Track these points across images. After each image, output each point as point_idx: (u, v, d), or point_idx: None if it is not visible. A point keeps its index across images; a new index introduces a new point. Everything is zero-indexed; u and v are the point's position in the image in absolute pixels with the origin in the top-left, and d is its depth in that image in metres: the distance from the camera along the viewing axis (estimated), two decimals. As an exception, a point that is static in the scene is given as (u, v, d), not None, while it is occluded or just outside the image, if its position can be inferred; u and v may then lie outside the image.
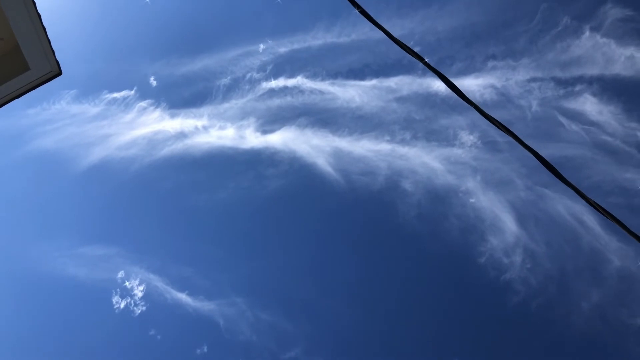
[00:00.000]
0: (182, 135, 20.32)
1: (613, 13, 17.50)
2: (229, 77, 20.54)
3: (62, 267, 19.12)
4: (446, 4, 19.84)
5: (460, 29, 19.66)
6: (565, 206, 17.44)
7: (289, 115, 20.27)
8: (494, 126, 4.16)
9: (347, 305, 18.58)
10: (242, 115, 20.38)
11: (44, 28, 5.03)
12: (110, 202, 21.06)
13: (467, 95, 3.96)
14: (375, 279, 19.09)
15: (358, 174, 19.43)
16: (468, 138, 18.70)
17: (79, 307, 19.15)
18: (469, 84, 18.78)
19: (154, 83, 20.68)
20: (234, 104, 20.50)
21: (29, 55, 5.16)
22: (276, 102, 20.38)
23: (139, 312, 18.10)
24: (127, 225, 20.65)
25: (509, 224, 17.68)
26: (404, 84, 19.60)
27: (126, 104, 20.37)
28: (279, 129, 20.22)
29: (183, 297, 18.28)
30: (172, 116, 20.64)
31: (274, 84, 20.30)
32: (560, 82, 18.10)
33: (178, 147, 20.22)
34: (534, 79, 18.35)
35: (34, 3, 4.84)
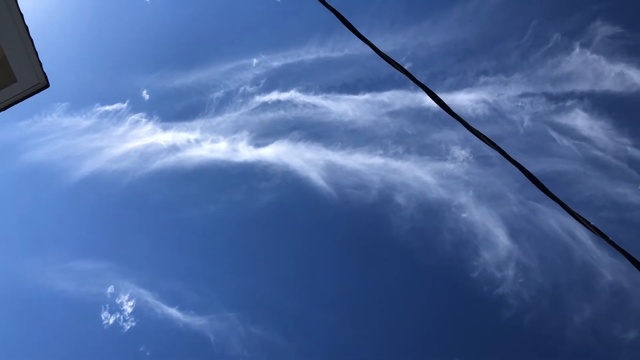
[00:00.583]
0: (174, 148, 20.29)
1: (603, 30, 17.76)
2: (222, 91, 20.59)
3: (50, 282, 18.89)
4: (438, 19, 20.07)
5: (452, 44, 19.88)
6: (558, 220, 17.48)
7: (282, 129, 20.31)
8: (490, 138, 4.14)
9: (339, 319, 18.44)
10: (235, 129, 20.39)
11: (31, 40, 5.01)
12: (101, 216, 20.92)
13: (454, 110, 3.96)
14: (368, 294, 18.99)
15: (351, 188, 19.43)
16: (460, 153, 18.77)
17: (67, 323, 18.89)
18: (461, 99, 18.93)
19: (147, 96, 20.69)
20: (227, 117, 20.53)
21: (16, 68, 5.13)
22: (269, 115, 20.43)
23: (129, 327, 17.87)
24: (118, 239, 20.50)
25: (502, 238, 17.69)
26: (396, 98, 19.72)
27: (118, 117, 20.35)
28: (272, 142, 20.24)
29: (173, 312, 18.08)
30: (165, 129, 20.62)
31: (267, 97, 20.37)
32: (552, 98, 18.27)
33: (170, 160, 20.18)
34: (525, 94, 18.52)
35: (22, 15, 4.82)
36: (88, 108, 20.50)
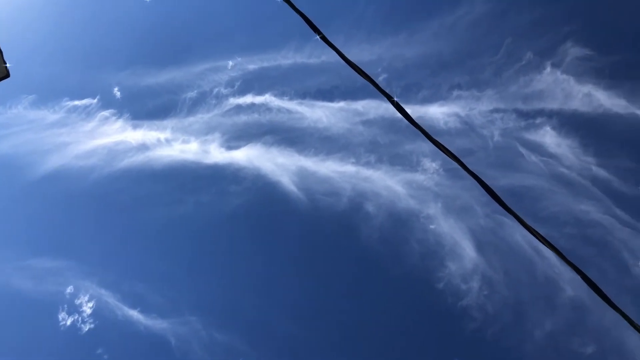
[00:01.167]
0: (143, 147, 19.88)
1: (573, 51, 18.26)
2: (195, 91, 20.32)
3: (6, 279, 18.22)
4: (415, 32, 20.30)
5: (427, 57, 20.12)
6: (523, 235, 17.77)
7: (255, 133, 20.16)
8: (460, 153, 4.14)
9: (304, 327, 18.31)
10: (207, 130, 20.13)
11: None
12: (64, 213, 20.32)
13: (425, 122, 3.93)
14: (334, 302, 18.92)
15: (322, 195, 19.39)
16: (430, 165, 18.95)
17: (22, 323, 18.22)
18: (434, 111, 19.15)
19: (118, 93, 20.26)
20: (200, 118, 20.26)
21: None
22: (243, 118, 20.25)
23: (87, 329, 17.35)
24: (81, 238, 19.94)
25: (468, 250, 17.90)
26: (370, 107, 19.81)
27: (87, 113, 19.85)
28: (244, 145, 20.05)
29: (135, 314, 17.64)
30: (135, 127, 20.21)
31: (242, 100, 20.20)
32: (522, 114, 18.65)
33: (139, 159, 19.77)
34: (496, 110, 18.85)
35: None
36: (56, 102, 19.95)
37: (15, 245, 19.52)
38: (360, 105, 19.90)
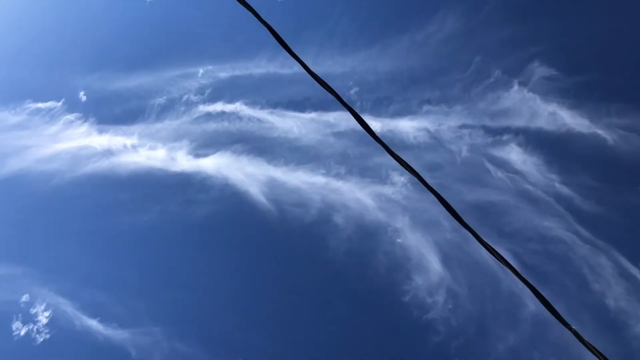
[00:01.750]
0: (109, 152, 19.42)
1: (540, 71, 18.76)
2: (164, 97, 20.02)
3: (-42, 286, 17.41)
4: (388, 46, 20.53)
5: (399, 72, 20.36)
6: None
7: (225, 141, 19.93)
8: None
9: (269, 338, 18.06)
10: (175, 137, 19.82)
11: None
12: (22, 218, 19.61)
13: (383, 135, 3.89)
14: (300, 313, 18.74)
15: (291, 205, 19.27)
16: (399, 179, 19.07)
17: (-27, 332, 17.40)
18: (404, 125, 19.33)
19: (84, 97, 19.78)
20: (168, 124, 19.94)
21: None
22: (212, 126, 20.01)
23: (42, 340, 16.67)
24: (39, 244, 19.24)
25: (434, 264, 18.02)
26: (342, 119, 19.88)
27: (51, 116, 19.30)
28: (213, 153, 19.79)
29: (94, 324, 17.06)
30: (100, 132, 19.74)
31: (212, 108, 19.98)
32: (489, 131, 19.00)
33: (104, 164, 19.28)
34: (465, 126, 19.16)
35: None
36: (18, 103, 19.36)
37: (-31, 250, 18.72)
38: (332, 117, 19.96)
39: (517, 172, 18.46)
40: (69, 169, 19.15)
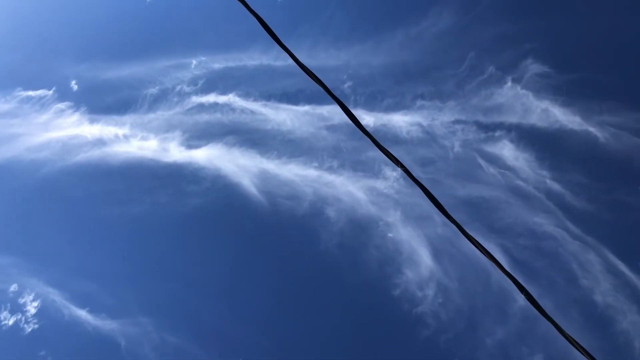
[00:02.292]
0: (100, 142, 19.27)
1: (533, 68, 18.81)
2: (157, 88, 19.88)
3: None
4: (382, 41, 20.49)
5: (393, 66, 20.33)
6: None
7: (217, 132, 19.84)
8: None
9: (259, 330, 18.10)
10: (168, 128, 19.70)
11: None
12: (12, 207, 19.44)
13: (367, 129, 3.89)
14: (291, 305, 18.78)
15: (283, 198, 19.25)
16: (391, 173, 19.10)
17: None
18: (397, 120, 19.33)
19: (75, 86, 19.59)
20: (160, 115, 19.81)
21: None
22: (205, 117, 19.91)
23: (30, 329, 16.61)
24: (29, 234, 19.11)
25: (425, 258, 18.10)
26: (335, 113, 19.84)
27: (42, 104, 19.12)
28: (205, 145, 19.70)
29: (83, 314, 17.00)
30: (92, 121, 19.58)
31: (205, 99, 19.87)
32: (482, 127, 19.05)
33: (95, 154, 19.14)
34: (458, 121, 19.19)
35: None
36: (8, 91, 19.16)
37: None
38: (325, 110, 19.91)
39: (509, 168, 18.56)
40: (59, 158, 19.02)
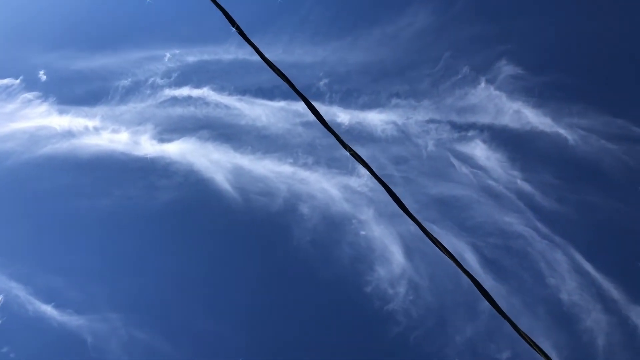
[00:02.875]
0: (69, 134, 18.79)
1: (507, 69, 19.07)
2: (129, 79, 19.44)
3: None
4: (358, 38, 20.49)
5: (369, 64, 20.36)
6: (450, 243, 18.30)
7: (190, 126, 19.55)
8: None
9: (230, 328, 17.97)
10: (140, 121, 19.31)
11: None
12: (-25, 199, 18.83)
13: (330, 125, 3.84)
14: (262, 302, 18.70)
15: (257, 194, 19.11)
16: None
17: None
18: (372, 118, 19.38)
19: (44, 76, 19.04)
20: (132, 107, 19.40)
21: None
22: (178, 111, 19.59)
23: (-8, 325, 16.15)
24: (-8, 226, 18.55)
25: (397, 255, 18.22)
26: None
27: (8, 93, 18.51)
28: (178, 139, 19.40)
29: (48, 309, 16.60)
30: (61, 112, 19.05)
31: (178, 92, 19.53)
32: (455, 126, 19.24)
33: (63, 146, 18.66)
34: (432, 121, 19.34)
35: None
36: (-28, 79, 18.50)
37: None
38: (301, 106, 19.82)
39: (480, 167, 18.80)
40: (26, 149, 18.49)
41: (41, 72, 18.99)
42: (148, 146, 18.98)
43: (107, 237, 19.23)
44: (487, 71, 19.24)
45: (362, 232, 18.35)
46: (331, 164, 19.37)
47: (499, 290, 17.65)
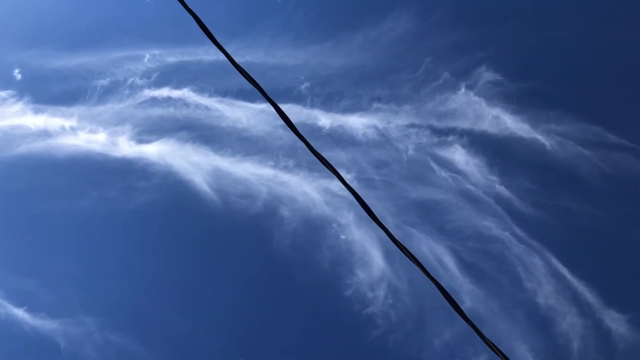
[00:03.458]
0: (45, 133, 18.43)
1: (486, 75, 19.29)
2: (108, 79, 19.16)
3: None
4: (341, 42, 20.52)
5: (351, 68, 20.39)
6: (429, 246, 18.43)
7: (170, 128, 19.34)
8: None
9: (208, 331, 17.79)
10: (118, 121, 19.04)
11: None
12: (-54, 199, 18.36)
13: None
14: (241, 306, 18.57)
15: (237, 196, 18.98)
16: (346, 175, 19.18)
17: None
18: (354, 121, 19.41)
19: (19, 75, 18.68)
20: (110, 107, 19.12)
21: None
22: (157, 111, 19.36)
23: (-39, 329, 15.74)
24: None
25: (377, 259, 18.26)
26: (292, 112, 19.71)
27: (-18, 92, 18.13)
28: (157, 140, 19.16)
29: (20, 313, 16.23)
30: (36, 112, 18.69)
31: (158, 93, 19.30)
32: (435, 131, 19.38)
33: (38, 146, 18.29)
34: (412, 125, 19.44)
35: None
36: (-56, 77, 18.06)
37: None
38: (283, 109, 19.66)
39: (459, 172, 18.95)
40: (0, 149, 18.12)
41: (16, 71, 18.65)
42: (126, 147, 18.75)
43: (83, 239, 18.91)
44: (467, 77, 19.45)
45: (342, 236, 18.36)
46: (312, 167, 19.36)
47: (477, 293, 17.82)
